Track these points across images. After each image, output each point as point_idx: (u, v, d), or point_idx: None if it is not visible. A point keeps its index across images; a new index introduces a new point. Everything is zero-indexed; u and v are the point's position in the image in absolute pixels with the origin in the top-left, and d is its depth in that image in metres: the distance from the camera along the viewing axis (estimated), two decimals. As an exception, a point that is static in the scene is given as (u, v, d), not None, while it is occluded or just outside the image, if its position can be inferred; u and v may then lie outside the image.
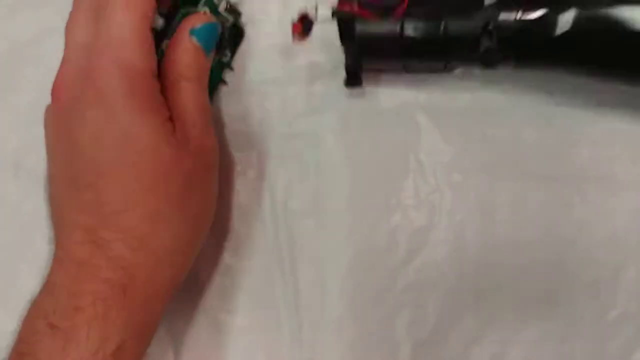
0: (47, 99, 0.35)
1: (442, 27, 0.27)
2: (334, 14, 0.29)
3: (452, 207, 0.34)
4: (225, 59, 0.33)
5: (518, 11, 0.26)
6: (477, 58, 0.28)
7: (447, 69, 0.30)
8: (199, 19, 0.30)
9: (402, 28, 0.28)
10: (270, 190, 0.34)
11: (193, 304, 0.34)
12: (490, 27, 0.27)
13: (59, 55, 0.35)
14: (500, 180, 0.34)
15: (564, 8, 0.25)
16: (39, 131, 0.35)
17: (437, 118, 0.34)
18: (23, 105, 0.36)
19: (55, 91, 0.29)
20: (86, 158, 0.27)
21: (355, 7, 0.28)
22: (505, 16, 0.26)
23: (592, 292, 0.33)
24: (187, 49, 0.29)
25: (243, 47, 0.35)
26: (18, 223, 0.36)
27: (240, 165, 0.35)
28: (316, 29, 0.30)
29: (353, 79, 0.31)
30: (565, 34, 0.26)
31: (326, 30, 0.30)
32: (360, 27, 0.29)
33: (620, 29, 0.25)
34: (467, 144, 0.34)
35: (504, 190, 0.34)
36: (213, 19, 0.30)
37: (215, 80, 0.33)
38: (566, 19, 0.25)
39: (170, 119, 0.28)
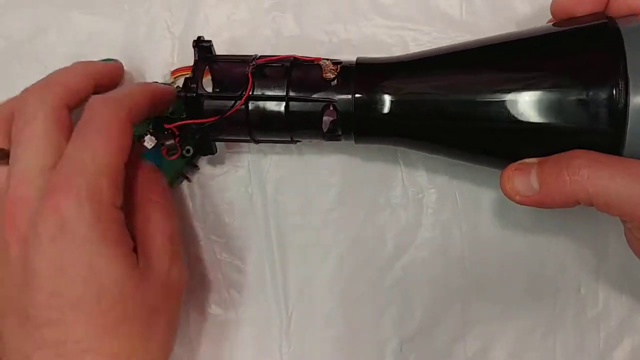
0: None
1: (285, 108, 0.29)
2: (181, 93, 0.29)
3: (438, 206, 0.34)
4: (188, 155, 0.32)
5: (353, 92, 0.28)
6: (320, 133, 0.30)
7: (293, 141, 0.31)
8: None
9: (247, 113, 0.29)
10: (261, 187, 0.35)
11: (183, 298, 0.35)
12: (331, 106, 0.28)
13: (54, 53, 0.36)
14: (485, 180, 0.34)
15: (383, 93, 0.28)
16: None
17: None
18: (17, 102, 0.36)
19: (9, 211, 0.26)
20: (46, 292, 0.24)
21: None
22: (344, 96, 0.28)
23: (573, 289, 0.34)
24: (145, 173, 0.28)
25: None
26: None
27: (231, 163, 0.35)
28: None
29: (206, 150, 0.32)
30: (389, 114, 0.28)
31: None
32: (207, 107, 0.29)
33: (432, 112, 0.28)
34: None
35: (488, 189, 0.34)
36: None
37: (173, 173, 0.33)
38: (387, 102, 0.28)
39: (135, 249, 0.27)
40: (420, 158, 0.35)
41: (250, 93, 0.29)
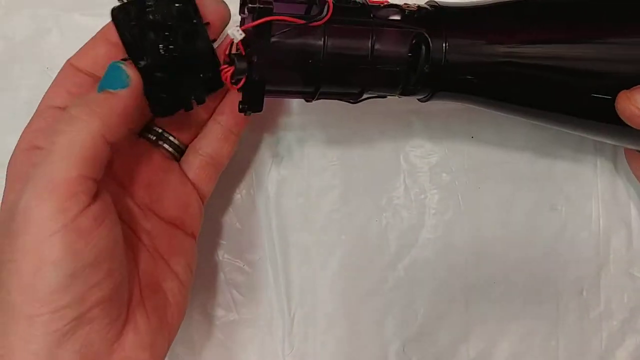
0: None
1: (371, 42, 0.25)
2: (252, 11, 0.24)
3: (440, 207, 0.34)
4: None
5: (445, 42, 0.25)
6: (396, 85, 0.26)
7: (358, 98, 0.27)
8: None
9: (325, 42, 0.25)
10: (263, 188, 0.35)
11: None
12: (420, 53, 0.26)
13: (55, 54, 0.36)
14: (487, 181, 0.34)
15: (484, 40, 0.26)
16: (35, 129, 0.36)
17: (428, 120, 0.35)
18: (19, 104, 0.36)
19: None
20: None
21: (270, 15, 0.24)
22: (436, 43, 0.25)
23: (575, 290, 0.34)
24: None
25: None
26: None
27: (234, 164, 0.35)
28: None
29: (254, 102, 0.26)
30: (476, 72, 0.26)
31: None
32: (277, 37, 0.24)
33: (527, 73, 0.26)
34: (455, 146, 0.35)
35: (490, 190, 0.35)
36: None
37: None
38: (488, 51, 0.26)
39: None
40: (422, 159, 0.35)
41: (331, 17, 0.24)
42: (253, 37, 0.24)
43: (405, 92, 0.27)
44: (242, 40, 0.24)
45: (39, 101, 0.36)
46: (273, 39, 0.24)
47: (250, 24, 0.24)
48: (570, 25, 0.26)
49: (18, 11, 0.36)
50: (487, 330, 0.34)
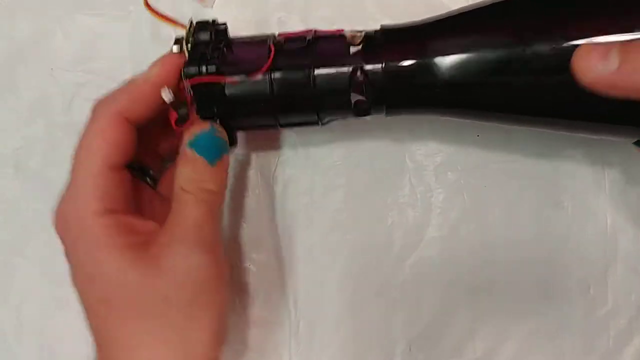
0: (46, 99, 0.36)
1: (311, 76, 0.27)
2: (191, 86, 0.27)
3: (446, 206, 0.34)
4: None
5: (383, 61, 0.27)
6: (349, 109, 0.28)
7: (321, 122, 0.30)
8: (195, 129, 0.28)
9: (271, 85, 0.28)
10: (269, 189, 0.35)
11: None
12: (359, 78, 0.27)
13: (59, 55, 0.36)
14: (492, 179, 0.34)
15: (418, 57, 0.27)
16: (39, 131, 0.36)
17: (433, 119, 0.34)
18: (23, 105, 0.36)
19: None
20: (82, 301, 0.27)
21: (205, 77, 0.27)
22: (372, 66, 0.27)
23: (582, 288, 0.34)
24: (185, 161, 0.28)
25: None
26: (17, 221, 0.36)
27: (238, 164, 0.35)
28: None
29: (228, 140, 0.29)
30: (427, 80, 0.27)
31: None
32: (227, 90, 0.28)
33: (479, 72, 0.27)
34: (461, 144, 0.35)
35: (496, 188, 0.34)
36: (207, 126, 0.28)
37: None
38: (423, 67, 0.27)
39: (147, 240, 0.27)
40: (428, 157, 0.34)
41: (273, 64, 0.27)
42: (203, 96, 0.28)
43: (360, 114, 0.29)
44: (191, 87, 0.27)
45: (44, 102, 0.36)
46: (226, 92, 0.28)
47: (198, 79, 0.27)
48: (508, 31, 0.26)
49: (21, 12, 0.36)
50: (493, 329, 0.34)
